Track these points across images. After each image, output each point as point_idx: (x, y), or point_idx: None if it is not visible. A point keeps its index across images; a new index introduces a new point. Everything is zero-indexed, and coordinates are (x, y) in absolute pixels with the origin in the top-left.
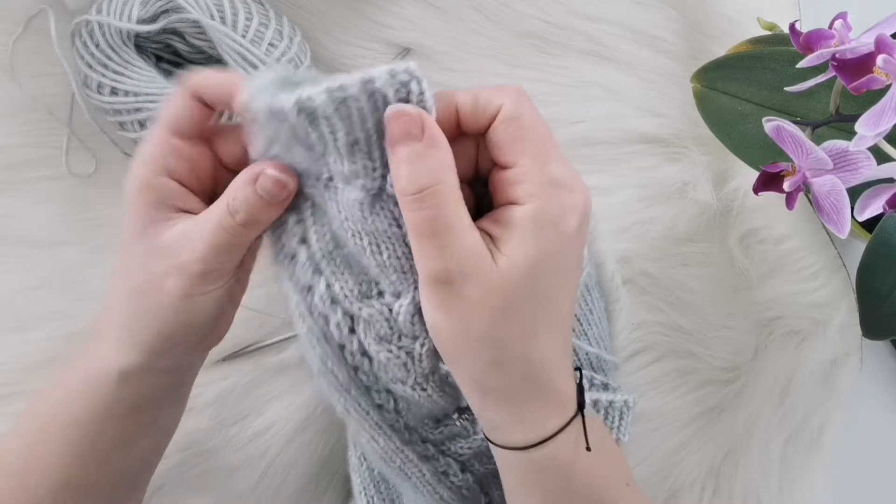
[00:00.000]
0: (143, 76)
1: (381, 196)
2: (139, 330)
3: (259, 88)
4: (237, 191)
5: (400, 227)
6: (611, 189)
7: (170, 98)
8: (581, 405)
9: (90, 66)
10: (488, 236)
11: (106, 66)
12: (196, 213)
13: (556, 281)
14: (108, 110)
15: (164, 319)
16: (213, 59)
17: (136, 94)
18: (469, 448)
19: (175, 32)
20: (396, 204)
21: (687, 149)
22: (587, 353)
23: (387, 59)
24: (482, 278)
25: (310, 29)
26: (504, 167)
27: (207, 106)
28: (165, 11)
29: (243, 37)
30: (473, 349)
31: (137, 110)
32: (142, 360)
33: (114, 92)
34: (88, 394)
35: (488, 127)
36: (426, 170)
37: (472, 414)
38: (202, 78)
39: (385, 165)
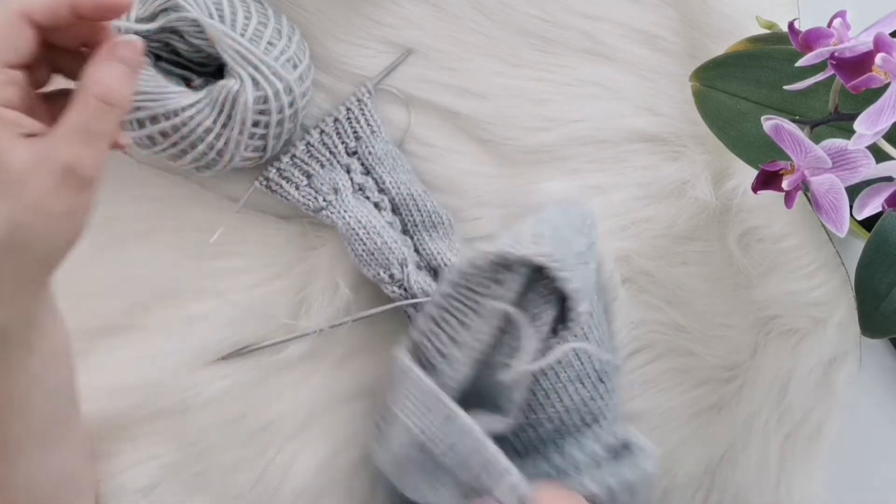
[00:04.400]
0: (141, 75)
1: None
2: None
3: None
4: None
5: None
6: (609, 188)
7: None
8: None
9: None
10: None
11: None
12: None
13: None
14: None
15: None
16: (212, 58)
17: (134, 93)
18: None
19: (174, 31)
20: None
21: (686, 147)
22: (590, 359)
23: (386, 58)
24: None
25: (309, 27)
26: None
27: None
28: (164, 10)
29: (242, 35)
30: None
31: (136, 109)
32: None
33: None
34: None
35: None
36: None
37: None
38: None
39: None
